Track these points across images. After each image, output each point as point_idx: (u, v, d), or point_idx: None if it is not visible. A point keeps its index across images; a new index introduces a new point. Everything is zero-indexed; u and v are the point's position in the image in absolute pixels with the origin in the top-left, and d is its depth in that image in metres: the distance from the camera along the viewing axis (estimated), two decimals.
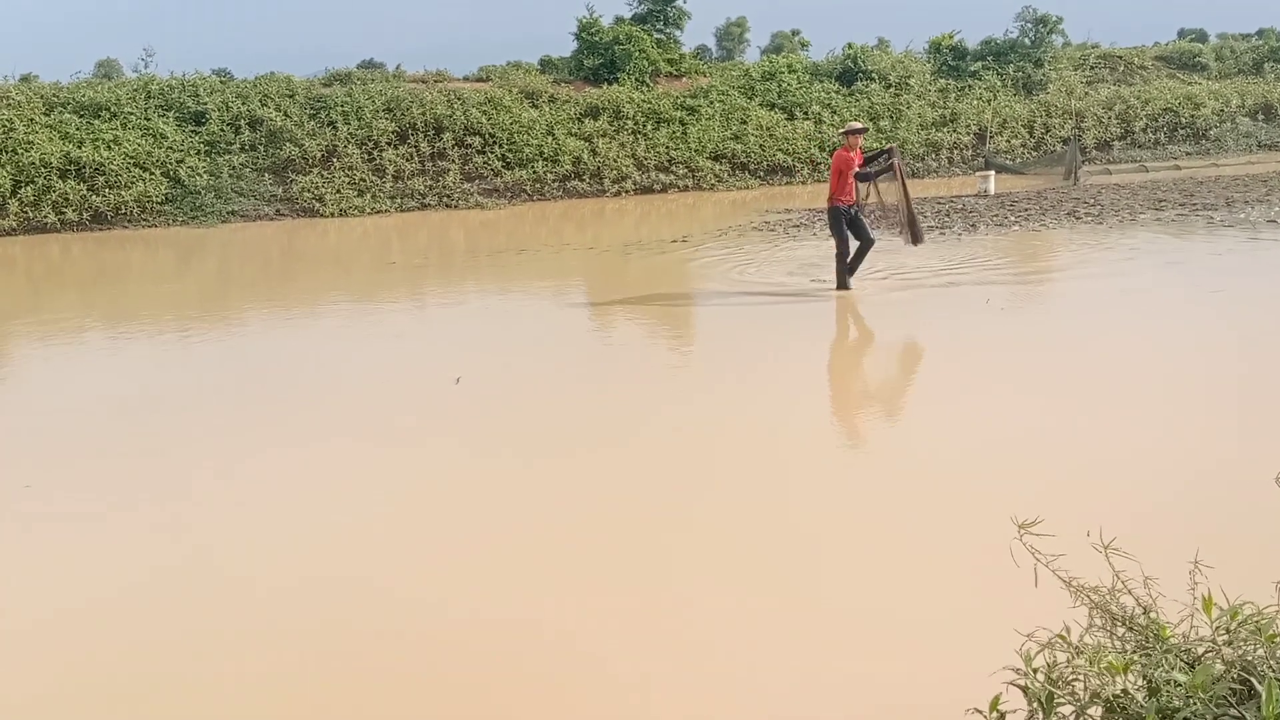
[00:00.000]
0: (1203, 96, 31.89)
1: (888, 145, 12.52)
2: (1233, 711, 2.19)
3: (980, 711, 2.60)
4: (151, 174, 23.77)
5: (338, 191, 24.77)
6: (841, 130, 12.58)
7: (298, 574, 5.21)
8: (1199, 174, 25.83)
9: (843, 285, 11.72)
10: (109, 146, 23.84)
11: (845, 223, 11.59)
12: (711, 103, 29.29)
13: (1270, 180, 22.99)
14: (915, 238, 11.95)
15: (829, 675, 4.00)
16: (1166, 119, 31.24)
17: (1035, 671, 2.53)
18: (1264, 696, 2.11)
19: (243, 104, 26.00)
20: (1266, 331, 9.41)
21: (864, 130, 12.20)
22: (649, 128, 27.93)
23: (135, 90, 26.30)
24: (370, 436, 7.52)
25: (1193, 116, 31.38)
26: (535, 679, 4.06)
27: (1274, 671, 2.26)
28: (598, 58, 30.45)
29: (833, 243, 11.86)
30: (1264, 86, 33.20)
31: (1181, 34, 49.01)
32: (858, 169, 11.63)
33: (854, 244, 11.67)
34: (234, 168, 24.84)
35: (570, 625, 4.50)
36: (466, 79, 30.94)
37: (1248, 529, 4.93)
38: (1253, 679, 2.21)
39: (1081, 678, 2.48)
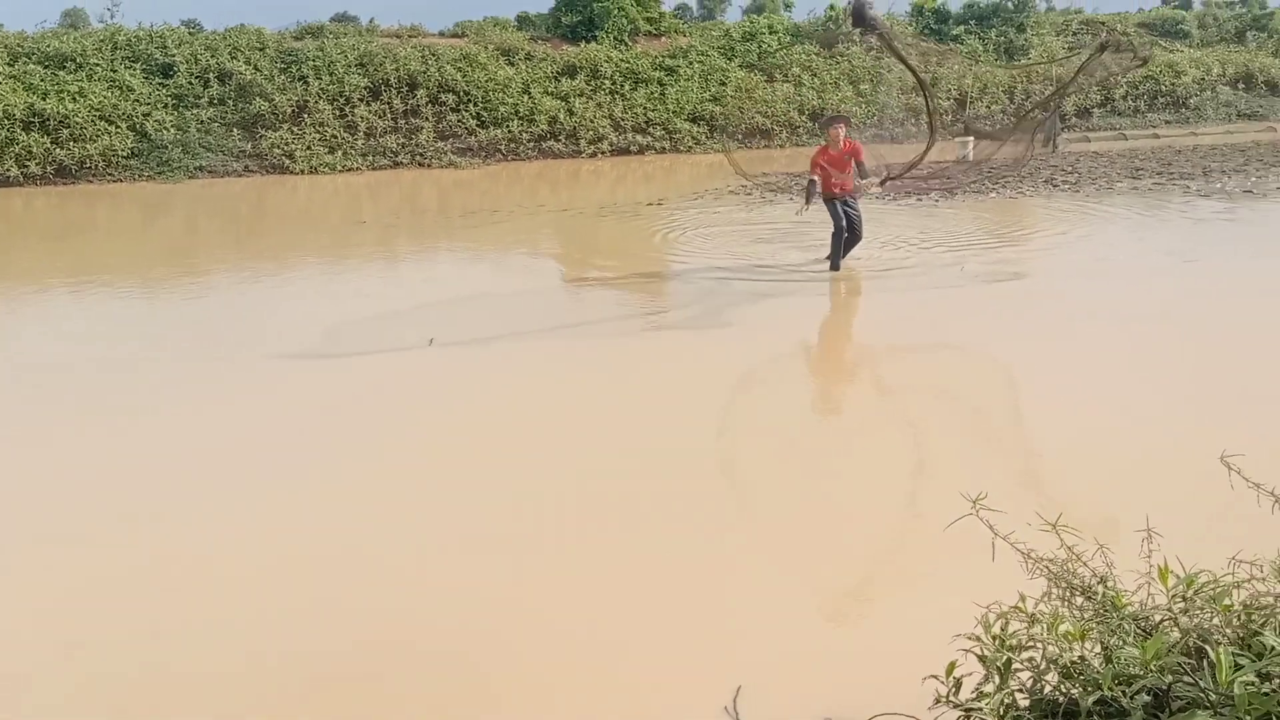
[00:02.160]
0: (1184, 64, 31.78)
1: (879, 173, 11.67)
2: (1187, 679, 2.17)
3: (937, 678, 2.57)
4: (117, 127, 23.29)
5: (308, 148, 24.38)
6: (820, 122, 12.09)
7: (266, 551, 5.14)
8: (1177, 143, 25.85)
9: (835, 266, 11.35)
10: (74, 99, 23.31)
11: (839, 208, 11.19)
12: (691, 63, 28.99)
13: (1248, 150, 23.03)
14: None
15: (786, 647, 3.98)
16: (1147, 86, 31.14)
17: (994, 639, 2.50)
18: (1218, 664, 2.08)
19: (212, 56, 25.49)
20: (1234, 304, 9.42)
21: (840, 120, 11.53)
22: (627, 88, 27.61)
23: (101, 41, 25.70)
24: (331, 404, 7.43)
25: (1173, 85, 31.28)
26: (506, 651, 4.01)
27: (1228, 640, 2.24)
28: (576, 15, 30.04)
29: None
30: (1245, 55, 33.12)
31: (1165, 0, 48.88)
32: (857, 164, 11.16)
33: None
34: (202, 122, 24.39)
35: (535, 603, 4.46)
36: (442, 34, 30.50)
37: (1201, 503, 4.93)
38: (1208, 647, 2.19)
39: (1039, 646, 2.46)
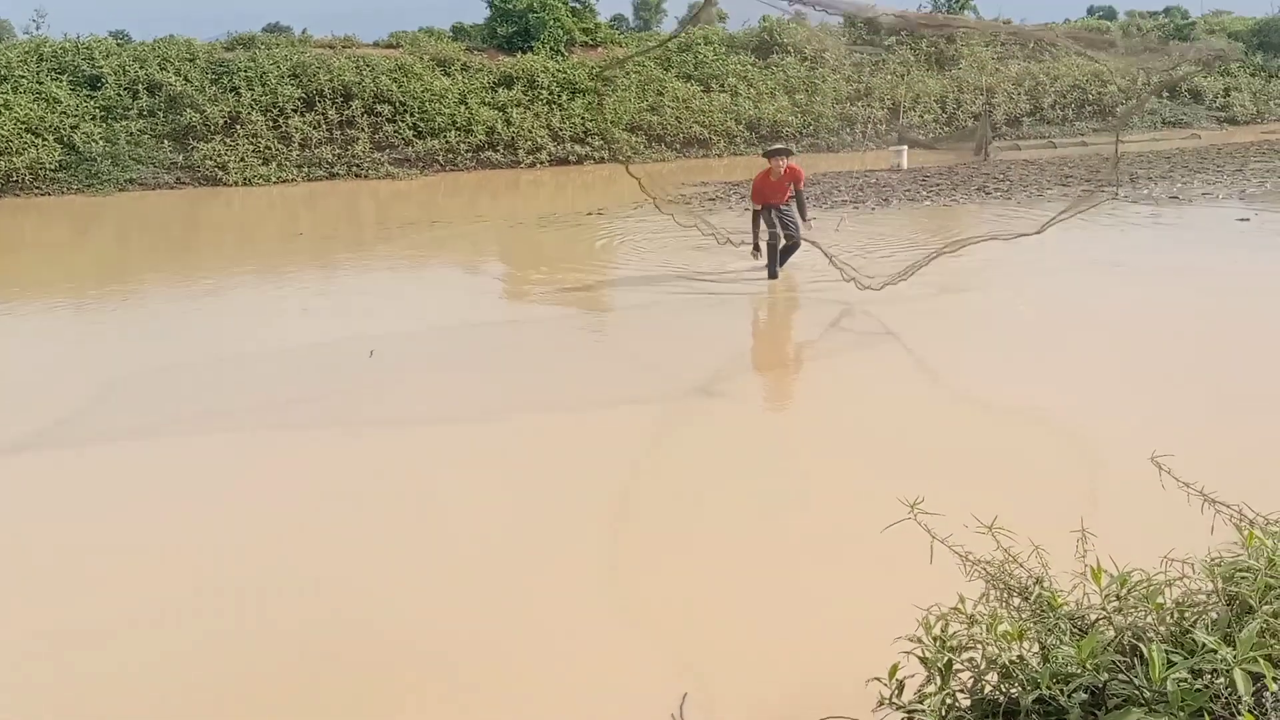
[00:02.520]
0: (1110, 74, 32.59)
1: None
2: (1122, 676, 2.21)
3: (880, 679, 2.60)
4: (44, 140, 22.82)
5: (242, 159, 24.06)
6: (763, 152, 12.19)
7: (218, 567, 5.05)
8: (1105, 150, 26.42)
9: (773, 274, 11.42)
10: None
11: (770, 215, 11.39)
12: (628, 73, 29.07)
13: (1173, 157, 23.65)
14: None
15: (731, 654, 3.99)
16: (1074, 95, 31.90)
17: (935, 640, 2.54)
18: (1151, 662, 2.13)
19: (140, 68, 25.06)
20: (1160, 306, 9.65)
21: (782, 152, 11.63)
22: (564, 98, 27.65)
23: (26, 53, 25.16)
24: (270, 419, 7.33)
25: (1100, 93, 32.08)
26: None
27: (1161, 638, 2.29)
28: (511, 26, 30.00)
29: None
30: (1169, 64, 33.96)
31: (1090, 11, 50.02)
32: (796, 190, 11.50)
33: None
34: (131, 134, 23.97)
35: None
36: (376, 45, 30.25)
37: (1131, 504, 5.04)
38: (1141, 644, 2.23)
39: (978, 646, 2.49)
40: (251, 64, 25.91)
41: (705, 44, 31.29)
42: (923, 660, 2.52)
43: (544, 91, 27.56)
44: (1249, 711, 2.01)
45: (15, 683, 3.97)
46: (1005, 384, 7.33)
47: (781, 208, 11.40)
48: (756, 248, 11.85)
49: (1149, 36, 36.36)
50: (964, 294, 10.72)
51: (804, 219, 11.70)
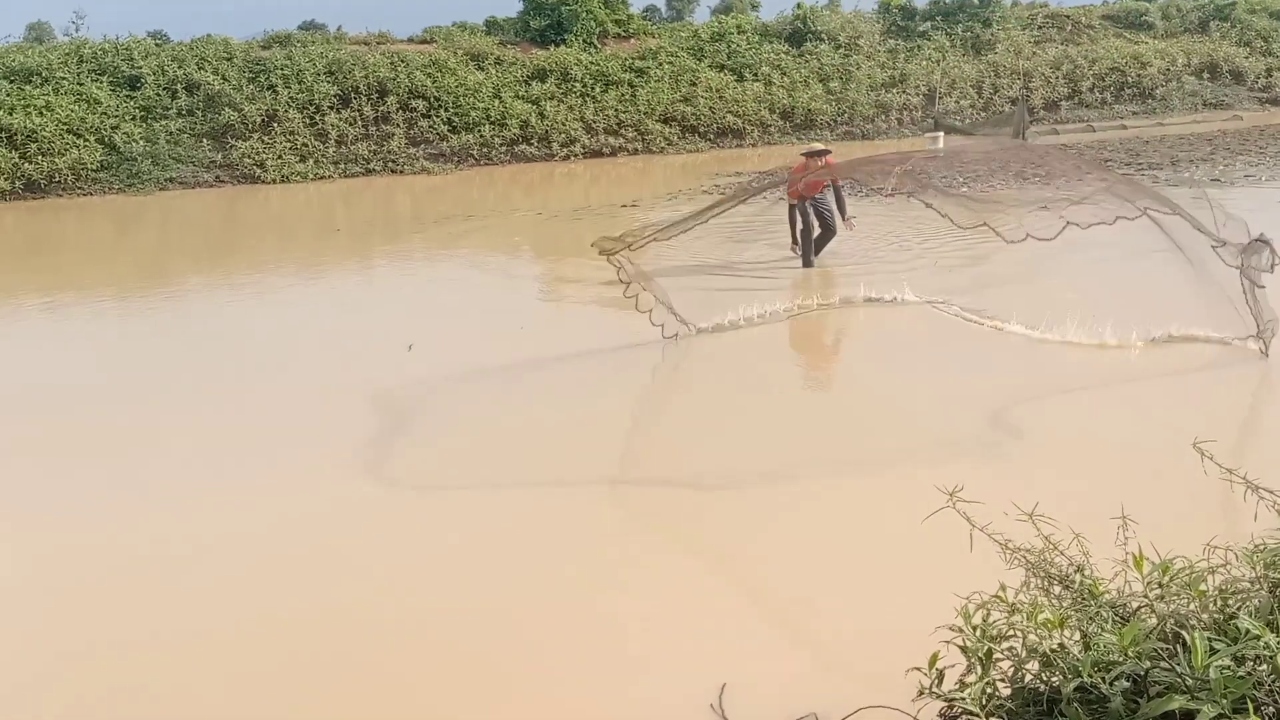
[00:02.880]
0: (1149, 56, 32.10)
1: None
2: (1164, 664, 2.20)
3: (920, 669, 2.61)
4: (86, 140, 23.14)
5: (279, 157, 24.28)
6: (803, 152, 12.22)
7: (264, 564, 5.12)
8: (1145, 134, 26.09)
9: (807, 263, 11.51)
10: (41, 113, 23.14)
11: (806, 209, 11.42)
12: (660, 64, 29.03)
13: (1215, 139, 23.28)
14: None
15: (770, 644, 4.01)
16: (1113, 78, 31.44)
17: (975, 629, 2.53)
18: (1193, 649, 2.12)
19: (179, 67, 25.35)
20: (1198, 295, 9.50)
21: (821, 154, 11.64)
22: (597, 90, 27.65)
23: (67, 54, 25.52)
24: (324, 416, 7.42)
25: (1139, 76, 31.60)
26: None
27: (1204, 625, 2.27)
28: (544, 19, 30.04)
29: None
30: (1209, 45, 33.48)
31: None
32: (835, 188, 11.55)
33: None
34: (171, 133, 24.26)
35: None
36: (410, 40, 30.39)
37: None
38: (1184, 632, 2.22)
39: (1018, 635, 2.49)
40: (288, 62, 26.13)
41: (739, 33, 31.16)
42: (963, 649, 2.52)
43: (577, 84, 27.59)
44: None
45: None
46: (1043, 372, 7.27)
47: (816, 197, 11.35)
48: (796, 241, 11.83)
49: (1188, 17, 35.85)
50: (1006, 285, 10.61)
51: (844, 217, 11.65)
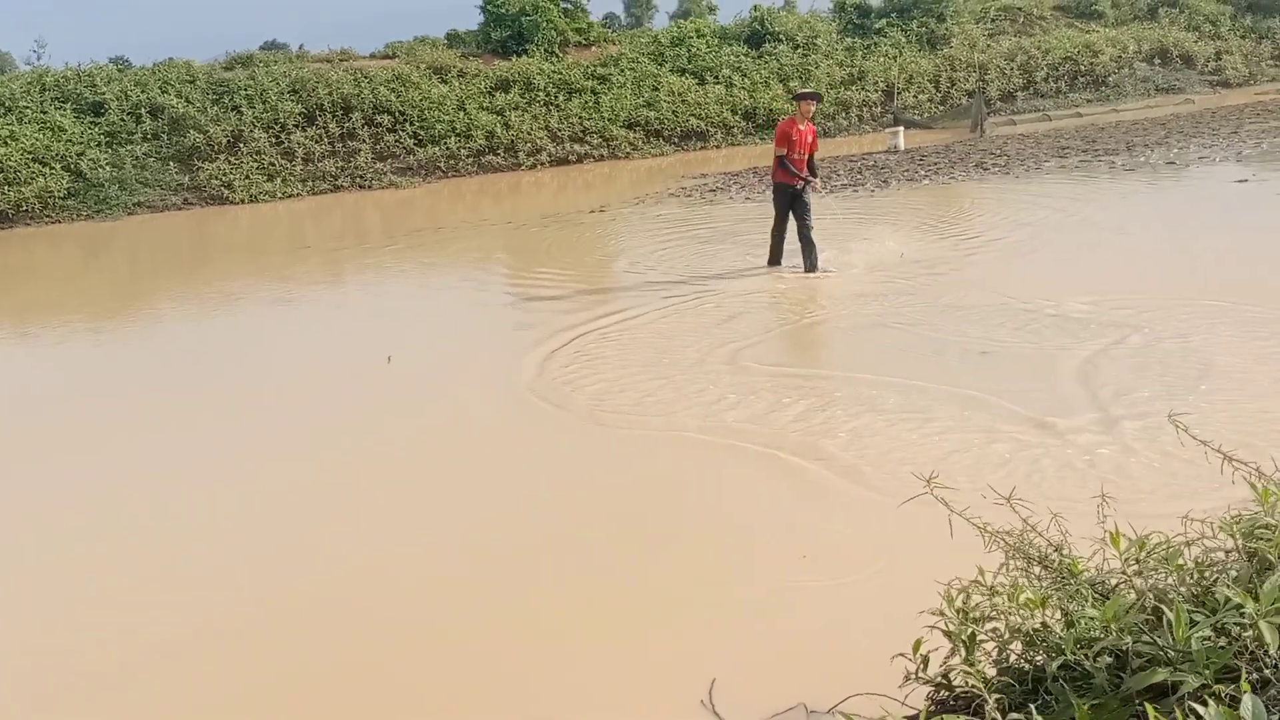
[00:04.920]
0: (1100, 44, 32.53)
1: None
2: (1146, 638, 2.25)
3: (905, 655, 2.65)
4: (51, 168, 22.95)
5: (246, 177, 24.18)
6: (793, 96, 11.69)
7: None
8: (1100, 120, 26.40)
9: (774, 261, 11.18)
10: (5, 143, 22.96)
11: (787, 202, 10.95)
12: (622, 70, 29.13)
13: (1168, 123, 23.61)
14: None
15: (758, 638, 4.04)
16: (1067, 68, 31.84)
17: (958, 612, 2.58)
18: (1174, 621, 2.17)
19: (142, 92, 25.23)
20: (1161, 273, 9.65)
21: (813, 96, 11.19)
22: (561, 98, 27.71)
23: (29, 84, 25.37)
24: (304, 433, 7.40)
25: (1092, 64, 32.01)
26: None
27: (1183, 597, 2.33)
28: (505, 30, 30.06)
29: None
30: (1159, 31, 33.98)
31: None
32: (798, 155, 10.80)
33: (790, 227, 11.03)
34: (137, 158, 24.11)
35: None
36: (373, 56, 30.36)
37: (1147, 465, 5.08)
38: (1163, 606, 2.28)
39: (1000, 616, 2.54)
40: (251, 82, 26.05)
41: (698, 37, 31.32)
42: (947, 634, 2.57)
43: (540, 93, 27.65)
44: (1272, 666, 2.04)
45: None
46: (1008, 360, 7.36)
47: (801, 192, 10.85)
48: (775, 260, 11.20)
49: (1138, 4, 36.33)
50: (979, 266, 10.73)
51: (814, 175, 11.14)
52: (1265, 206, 12.62)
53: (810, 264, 10.87)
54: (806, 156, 10.90)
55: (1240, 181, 14.38)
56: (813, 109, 11.05)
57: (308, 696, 3.91)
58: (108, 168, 23.53)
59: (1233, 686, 1.98)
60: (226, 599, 4.74)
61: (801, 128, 10.83)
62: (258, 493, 6.14)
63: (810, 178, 10.96)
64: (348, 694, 3.87)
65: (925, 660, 2.62)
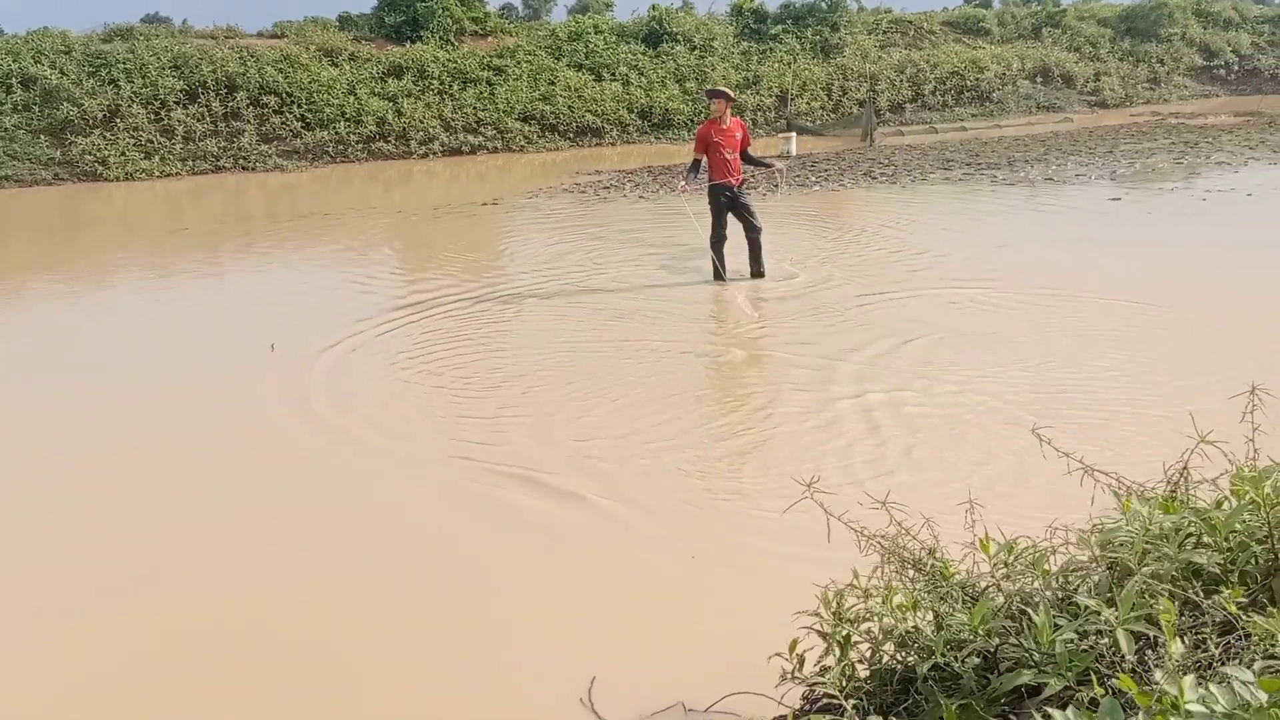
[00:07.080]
0: (986, 60, 33.66)
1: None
2: (1013, 640, 2.31)
3: (781, 655, 2.68)
4: None
5: (122, 154, 23.25)
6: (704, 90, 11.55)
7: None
8: (984, 135, 27.22)
9: (720, 275, 10.40)
10: None
11: (724, 205, 10.39)
12: (519, 63, 28.91)
13: (1048, 140, 24.49)
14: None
15: (638, 637, 4.05)
16: (954, 82, 32.83)
17: (833, 614, 2.62)
18: (1040, 625, 2.23)
19: (13, 61, 24.06)
20: (1038, 284, 9.99)
21: (724, 95, 10.58)
22: (455, 88, 27.36)
23: None
24: (170, 419, 7.16)
25: (977, 80, 33.07)
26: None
27: (1048, 602, 2.40)
28: (399, 15, 29.54)
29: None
30: (1042, 51, 35.34)
31: (967, 0, 51.25)
32: (742, 151, 10.42)
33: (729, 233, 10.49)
34: (5, 129, 22.98)
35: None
36: (260, 35, 29.51)
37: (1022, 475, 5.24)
38: (1029, 609, 2.34)
39: (875, 618, 2.58)
40: (130, 56, 25.10)
41: (596, 33, 31.28)
42: (822, 634, 2.60)
43: (435, 81, 27.27)
44: (1129, 671, 2.11)
45: None
46: (893, 364, 7.52)
47: (738, 191, 10.35)
48: (719, 275, 10.39)
49: (1022, 23, 37.65)
50: (854, 278, 10.93)
51: (771, 167, 11.62)
52: (1135, 221, 13.18)
53: (759, 269, 10.46)
54: (737, 154, 10.41)
55: (1113, 200, 14.97)
56: (724, 106, 10.45)
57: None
58: None
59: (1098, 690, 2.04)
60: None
61: (725, 127, 10.35)
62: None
63: (769, 163, 11.40)
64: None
65: (801, 660, 2.65)
